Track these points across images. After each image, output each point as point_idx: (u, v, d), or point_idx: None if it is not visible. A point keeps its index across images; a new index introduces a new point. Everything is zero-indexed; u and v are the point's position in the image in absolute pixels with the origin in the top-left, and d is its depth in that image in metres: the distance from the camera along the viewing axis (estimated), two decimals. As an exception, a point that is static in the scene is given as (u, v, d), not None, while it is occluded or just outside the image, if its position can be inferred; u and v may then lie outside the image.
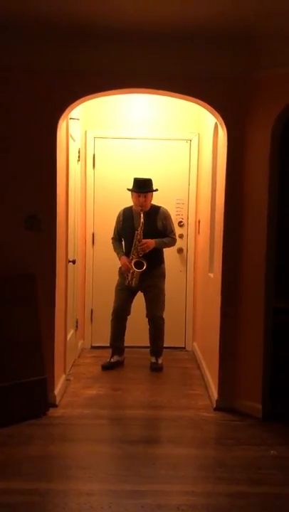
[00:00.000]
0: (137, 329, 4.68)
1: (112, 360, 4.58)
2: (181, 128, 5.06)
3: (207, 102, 3.59)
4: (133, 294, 4.56)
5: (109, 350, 4.64)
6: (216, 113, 3.61)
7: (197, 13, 2.94)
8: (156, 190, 4.47)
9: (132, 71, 3.51)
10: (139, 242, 4.32)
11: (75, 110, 3.94)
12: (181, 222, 5.14)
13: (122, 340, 4.61)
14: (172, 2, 2.82)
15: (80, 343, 5.01)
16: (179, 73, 3.52)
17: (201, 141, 5.00)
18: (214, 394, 3.73)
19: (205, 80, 3.54)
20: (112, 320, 4.58)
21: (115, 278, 4.69)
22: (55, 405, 3.60)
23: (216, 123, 3.99)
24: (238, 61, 3.48)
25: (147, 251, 4.33)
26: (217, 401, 3.66)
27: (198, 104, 3.72)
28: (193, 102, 3.73)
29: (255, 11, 2.90)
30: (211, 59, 3.47)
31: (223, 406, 3.64)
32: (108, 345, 4.74)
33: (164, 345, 4.84)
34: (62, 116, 3.58)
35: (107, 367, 4.51)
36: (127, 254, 4.42)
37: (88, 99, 3.72)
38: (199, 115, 4.87)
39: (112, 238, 4.61)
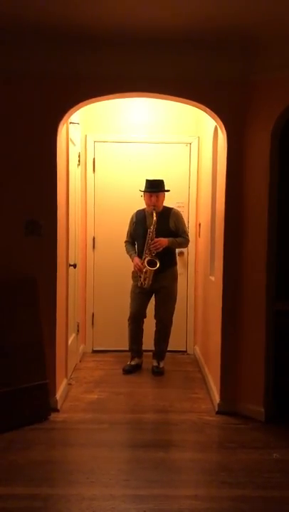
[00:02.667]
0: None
1: (132, 363, 4.59)
2: (180, 131, 5.07)
3: (206, 105, 3.59)
4: (148, 297, 4.54)
5: (120, 354, 4.68)
6: (216, 116, 3.62)
7: (196, 16, 2.94)
8: (168, 190, 4.50)
9: (131, 75, 3.52)
10: (152, 240, 4.32)
11: (75, 114, 3.95)
12: (181, 225, 5.13)
13: (140, 343, 4.63)
14: (171, 6, 2.82)
15: (81, 347, 5.00)
16: (179, 77, 3.53)
17: (201, 144, 5.00)
18: (216, 397, 3.72)
19: (204, 83, 3.55)
20: (129, 324, 4.58)
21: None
22: (56, 410, 3.59)
23: (215, 126, 4.00)
24: (237, 64, 3.48)
25: (160, 249, 4.33)
26: (219, 404, 3.65)
27: (198, 107, 3.73)
28: (192, 105, 3.74)
29: (253, 14, 2.91)
30: (210, 62, 3.48)
31: (225, 409, 3.63)
32: (110, 349, 4.75)
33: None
34: (62, 121, 3.59)
35: (129, 370, 4.52)
36: (140, 255, 4.42)
37: (88, 104, 3.73)
38: (199, 118, 4.88)
39: (126, 241, 4.61)
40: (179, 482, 2.75)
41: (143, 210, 4.55)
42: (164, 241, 4.34)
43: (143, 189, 4.45)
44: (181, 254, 5.14)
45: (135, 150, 5.07)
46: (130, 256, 4.53)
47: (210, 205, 4.36)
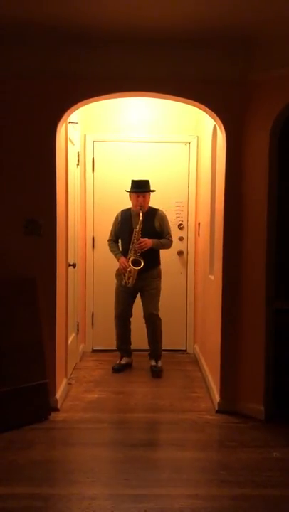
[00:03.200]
0: (138, 333, 4.67)
1: (121, 362, 4.62)
2: (180, 131, 5.07)
3: (205, 104, 3.59)
4: (133, 296, 4.58)
5: (118, 354, 4.69)
6: (215, 116, 3.62)
7: (195, 16, 2.95)
8: (154, 191, 4.51)
9: (130, 75, 3.52)
10: (138, 240, 4.35)
11: (73, 114, 3.94)
12: (180, 224, 5.14)
13: (129, 342, 4.65)
14: (170, 6, 2.82)
15: (81, 347, 5.00)
16: (177, 76, 3.53)
17: (200, 143, 5.00)
18: (216, 396, 3.72)
19: (203, 82, 3.55)
20: (115, 324, 4.61)
21: (116, 281, 4.69)
22: (56, 409, 3.59)
23: (214, 125, 4.00)
24: (236, 63, 3.48)
25: (145, 250, 4.37)
26: (219, 403, 3.66)
27: (197, 106, 3.72)
28: (191, 104, 3.74)
29: (252, 13, 2.91)
30: (208, 62, 3.48)
31: (225, 408, 3.63)
32: (110, 348, 4.76)
33: (165, 348, 4.83)
34: (61, 121, 3.58)
35: (118, 369, 4.54)
36: (125, 254, 4.45)
37: (87, 103, 3.72)
38: (198, 118, 4.88)
39: (109, 240, 4.64)
40: (180, 481, 2.75)
41: (128, 209, 4.57)
42: (149, 242, 4.37)
43: (129, 189, 4.47)
44: (181, 253, 5.14)
45: (134, 149, 5.07)
46: (115, 255, 4.55)
47: (209, 205, 4.36)
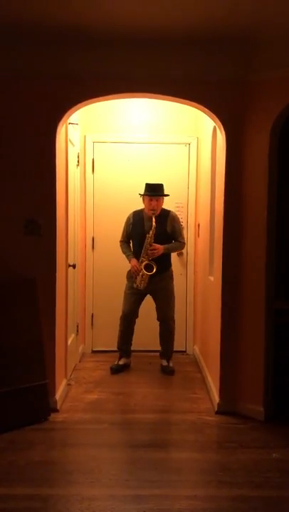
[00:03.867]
0: (140, 333, 4.67)
1: (120, 362, 4.61)
2: (179, 132, 5.07)
3: (205, 105, 3.60)
4: (142, 298, 4.57)
5: (117, 354, 4.68)
6: (215, 116, 3.62)
7: (194, 17, 2.95)
8: (168, 195, 4.52)
9: (130, 75, 3.52)
10: (150, 245, 4.34)
11: (74, 115, 3.95)
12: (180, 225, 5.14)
13: (130, 343, 4.65)
14: (170, 7, 2.82)
15: (80, 348, 5.00)
16: (177, 77, 3.53)
17: (199, 144, 5.01)
18: (216, 397, 3.72)
19: (203, 83, 3.55)
20: (120, 323, 4.60)
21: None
22: (56, 410, 3.59)
23: (214, 126, 4.00)
24: (236, 64, 3.49)
25: (156, 256, 4.36)
26: (219, 404, 3.66)
27: (197, 107, 3.73)
28: (191, 105, 3.74)
29: (252, 13, 2.91)
30: (208, 62, 3.48)
31: (224, 409, 3.63)
32: (109, 349, 4.76)
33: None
34: (61, 121, 3.59)
35: (116, 369, 4.54)
36: (136, 256, 4.43)
37: (87, 104, 3.73)
38: (198, 119, 4.88)
39: (121, 241, 4.62)
40: (179, 482, 2.75)
41: (141, 211, 4.55)
42: (160, 249, 4.36)
43: (142, 192, 4.45)
44: (180, 254, 5.14)
45: (134, 150, 5.07)
46: (127, 256, 4.54)
47: (209, 206, 4.37)
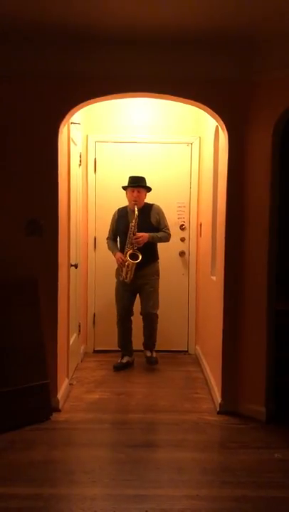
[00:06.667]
0: (140, 334, 4.67)
1: (122, 361, 4.65)
2: (182, 131, 5.07)
3: (208, 105, 3.59)
4: (134, 295, 4.61)
5: (119, 353, 4.72)
6: (217, 116, 3.62)
7: (197, 16, 2.95)
8: (150, 189, 4.58)
9: (132, 75, 3.52)
10: (134, 234, 4.39)
11: (76, 115, 3.94)
12: (182, 225, 5.14)
13: (130, 340, 4.69)
14: (172, 6, 2.82)
15: (82, 348, 5.00)
16: (179, 77, 3.53)
17: (202, 144, 5.00)
18: (218, 397, 3.72)
19: (205, 83, 3.55)
20: (117, 322, 4.64)
21: (115, 280, 4.68)
22: (58, 410, 3.59)
23: (216, 126, 4.00)
24: (238, 64, 3.48)
25: (142, 244, 4.40)
26: (220, 404, 3.65)
27: (199, 107, 3.72)
28: (193, 105, 3.74)
29: (254, 13, 2.91)
30: (211, 62, 3.48)
31: (226, 409, 3.63)
32: (111, 349, 4.77)
33: (167, 349, 4.92)
34: (64, 121, 3.59)
35: (119, 367, 4.57)
36: (123, 250, 4.49)
37: (89, 104, 3.73)
38: (200, 118, 4.88)
39: (107, 238, 4.70)
40: (181, 482, 2.75)
41: (125, 207, 4.63)
42: (145, 236, 4.42)
43: (126, 186, 4.55)
44: (183, 254, 5.14)
45: (136, 150, 5.07)
46: (112, 252, 4.60)
47: (211, 205, 4.36)
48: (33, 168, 3.56)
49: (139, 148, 5.07)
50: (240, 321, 3.61)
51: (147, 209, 4.57)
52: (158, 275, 4.63)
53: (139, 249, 4.40)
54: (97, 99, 3.65)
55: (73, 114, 3.73)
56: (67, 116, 3.60)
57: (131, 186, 4.52)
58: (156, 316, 4.63)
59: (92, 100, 3.64)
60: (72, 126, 4.08)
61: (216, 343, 3.84)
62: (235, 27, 3.11)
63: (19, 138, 3.55)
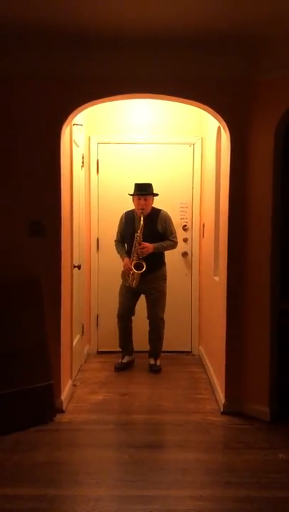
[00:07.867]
0: (143, 334, 4.67)
1: (123, 360, 4.65)
2: (184, 132, 5.07)
3: (210, 105, 3.59)
4: (136, 296, 4.61)
5: (119, 353, 4.72)
6: (219, 116, 3.62)
7: (199, 17, 2.95)
8: (157, 194, 4.54)
9: (134, 76, 3.52)
10: (139, 244, 4.38)
11: (78, 116, 3.95)
12: (185, 226, 5.14)
13: (130, 340, 4.69)
14: (173, 7, 2.82)
15: (86, 349, 5.00)
16: (181, 77, 3.53)
17: (204, 144, 5.00)
18: (221, 398, 3.71)
19: (207, 83, 3.55)
20: (118, 322, 4.64)
21: (120, 283, 4.69)
22: (62, 411, 3.60)
23: (219, 126, 4.00)
24: (240, 64, 3.48)
25: (146, 254, 4.40)
26: (224, 405, 3.65)
27: (201, 108, 3.72)
28: (195, 106, 3.74)
29: (256, 13, 2.91)
30: (212, 63, 3.48)
31: (230, 410, 3.63)
32: (114, 350, 4.78)
33: (170, 350, 4.89)
34: (66, 123, 3.59)
35: (120, 368, 4.58)
36: (129, 255, 4.50)
37: (91, 105, 3.73)
38: (202, 119, 4.88)
39: (115, 241, 4.71)
40: (185, 483, 2.74)
41: (132, 211, 4.61)
42: (150, 247, 4.41)
43: (132, 193, 4.51)
44: (185, 254, 5.14)
45: (138, 151, 5.07)
46: (120, 256, 4.61)
47: (214, 206, 4.36)
48: (35, 170, 3.56)
49: (141, 149, 5.08)
50: (244, 321, 3.61)
51: (154, 215, 4.53)
52: (165, 279, 4.62)
53: (145, 257, 4.39)
54: (99, 100, 3.65)
55: (75, 115, 3.74)
56: (69, 118, 3.61)
57: (137, 194, 4.48)
58: (163, 321, 4.62)
59: (94, 102, 3.65)
60: (74, 127, 4.09)
61: (219, 343, 3.84)
62: (238, 27, 3.11)
63: (21, 140, 3.56)
